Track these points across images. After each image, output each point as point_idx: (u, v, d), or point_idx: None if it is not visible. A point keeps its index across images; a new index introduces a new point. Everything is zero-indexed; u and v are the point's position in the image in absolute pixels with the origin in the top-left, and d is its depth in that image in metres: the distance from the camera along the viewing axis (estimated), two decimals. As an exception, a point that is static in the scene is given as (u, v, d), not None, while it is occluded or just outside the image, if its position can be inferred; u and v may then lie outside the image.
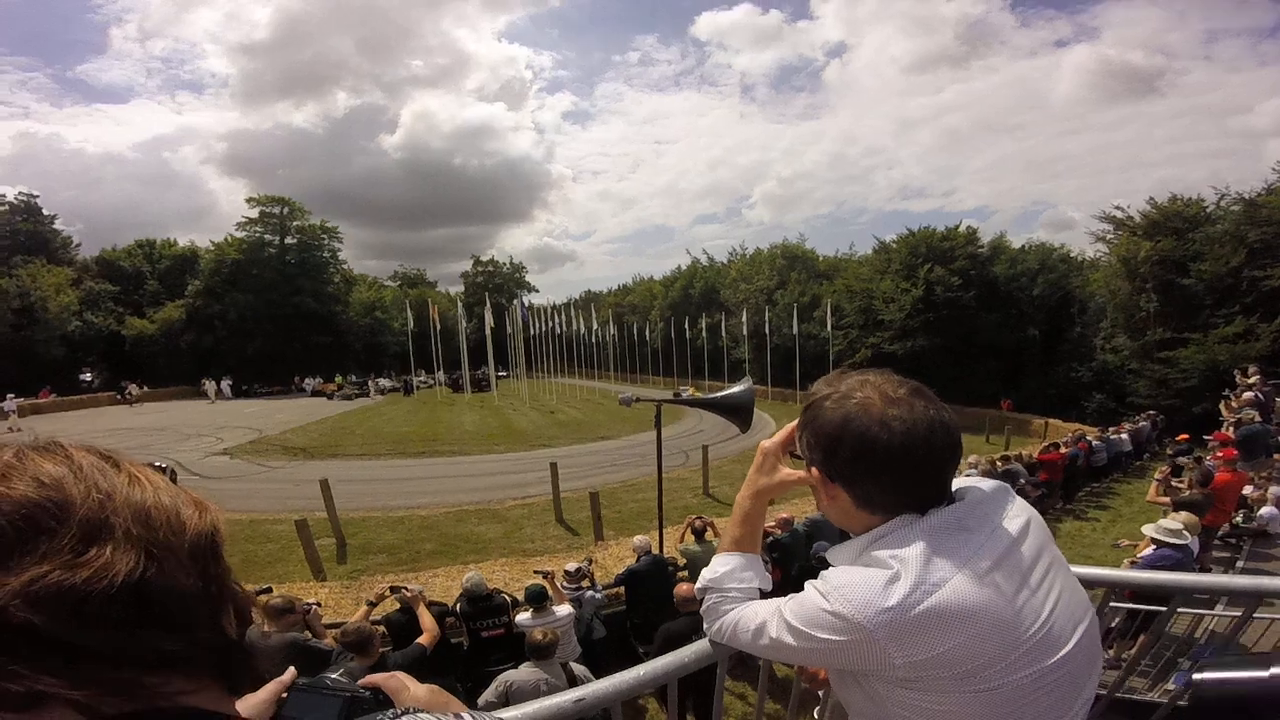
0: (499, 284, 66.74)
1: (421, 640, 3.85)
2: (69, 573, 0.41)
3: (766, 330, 34.64)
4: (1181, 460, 9.56)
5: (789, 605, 0.92)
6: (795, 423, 1.03)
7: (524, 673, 3.36)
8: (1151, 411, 19.02)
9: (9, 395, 26.60)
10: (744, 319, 36.53)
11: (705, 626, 1.17)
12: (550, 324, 43.70)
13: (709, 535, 6.33)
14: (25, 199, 45.80)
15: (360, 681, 0.70)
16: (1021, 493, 8.31)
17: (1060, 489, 11.23)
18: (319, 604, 4.27)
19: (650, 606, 5.06)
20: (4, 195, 45.35)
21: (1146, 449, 15.93)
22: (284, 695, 0.65)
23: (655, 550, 6.14)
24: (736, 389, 4.96)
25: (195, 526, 0.50)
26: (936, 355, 28.12)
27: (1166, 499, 6.95)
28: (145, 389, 37.86)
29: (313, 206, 53.32)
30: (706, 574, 1.14)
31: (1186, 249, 23.20)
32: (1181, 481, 7.86)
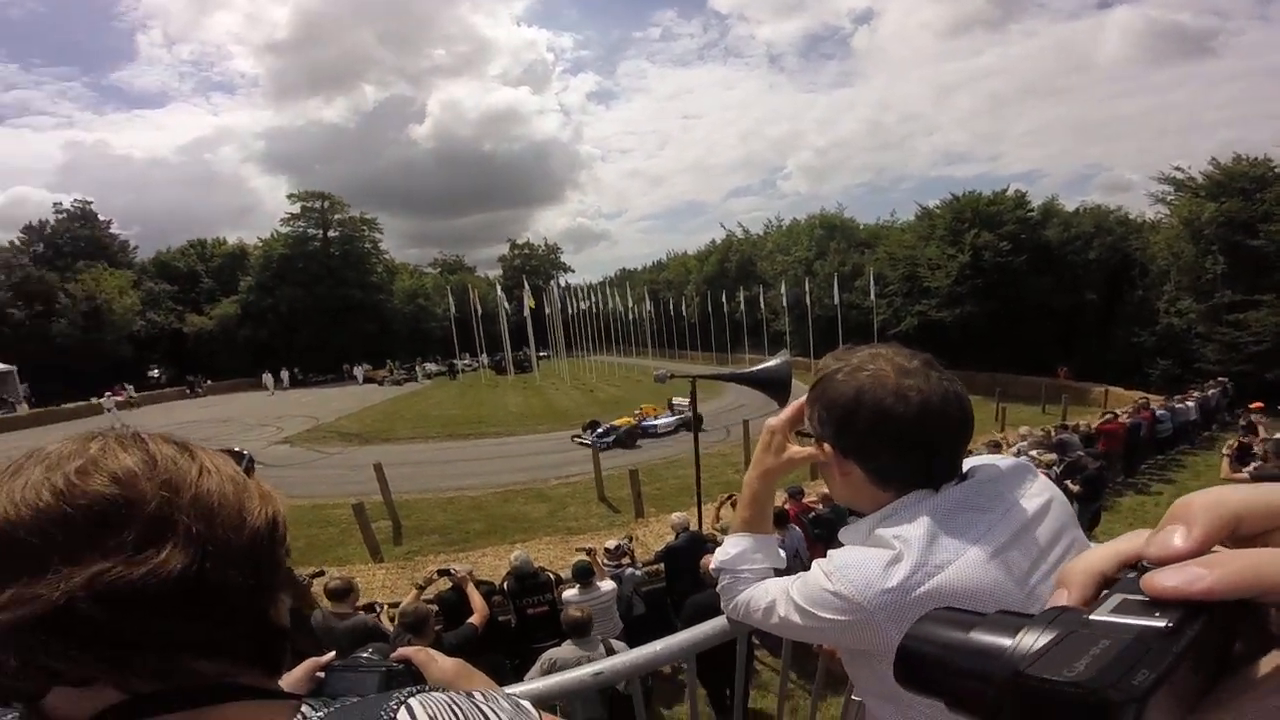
0: (536, 266, 67.16)
1: (473, 620, 4.08)
2: (128, 569, 0.44)
3: (807, 301, 33.87)
4: (1246, 439, 8.87)
5: (796, 585, 0.93)
6: (802, 400, 1.02)
7: (566, 650, 3.51)
8: (1222, 378, 17.91)
9: (106, 393, 28.64)
10: (783, 291, 35.93)
11: (721, 605, 1.18)
12: (587, 303, 44.02)
13: None
14: (81, 206, 48.25)
15: (392, 656, 0.78)
16: (1078, 465, 8.09)
17: (1121, 461, 10.65)
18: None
19: (688, 582, 5.19)
20: (61, 203, 48.08)
21: (1215, 419, 14.82)
22: (320, 674, 0.73)
23: (695, 526, 6.24)
24: (773, 362, 4.96)
25: (254, 521, 0.53)
26: (986, 322, 27.12)
27: (1244, 474, 6.47)
28: (209, 382, 40.16)
29: (351, 199, 54.71)
30: (719, 555, 1.16)
31: (1254, 209, 21.70)
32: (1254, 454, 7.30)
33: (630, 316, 46.69)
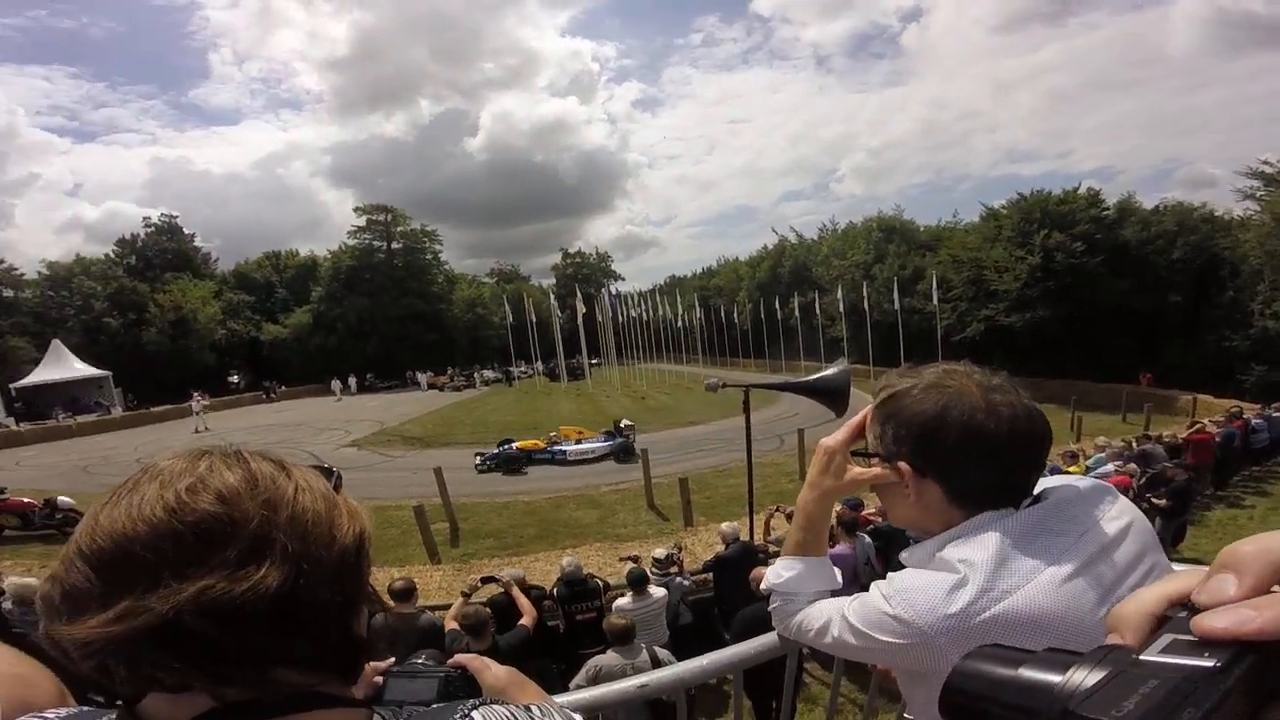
0: (587, 274, 67.97)
1: (524, 622, 4.20)
2: (230, 585, 0.47)
3: (865, 307, 32.84)
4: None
5: (853, 605, 0.93)
6: (860, 419, 1.00)
7: (611, 658, 3.55)
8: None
9: (194, 395, 30.91)
10: (839, 296, 35.00)
11: (774, 623, 1.18)
12: (638, 311, 44.26)
13: None
14: (167, 220, 52.24)
15: (449, 661, 0.81)
16: (1163, 477, 7.57)
17: (1211, 473, 9.96)
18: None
19: (738, 594, 5.15)
20: (149, 217, 52.12)
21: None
22: (379, 679, 0.75)
23: (746, 537, 6.18)
24: (830, 370, 4.77)
25: (343, 539, 0.56)
26: (1059, 326, 25.71)
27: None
28: (283, 388, 42.64)
29: (412, 211, 57.36)
30: (771, 578, 1.14)
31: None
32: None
33: (681, 323, 46.63)
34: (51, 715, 0.57)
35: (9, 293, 41.24)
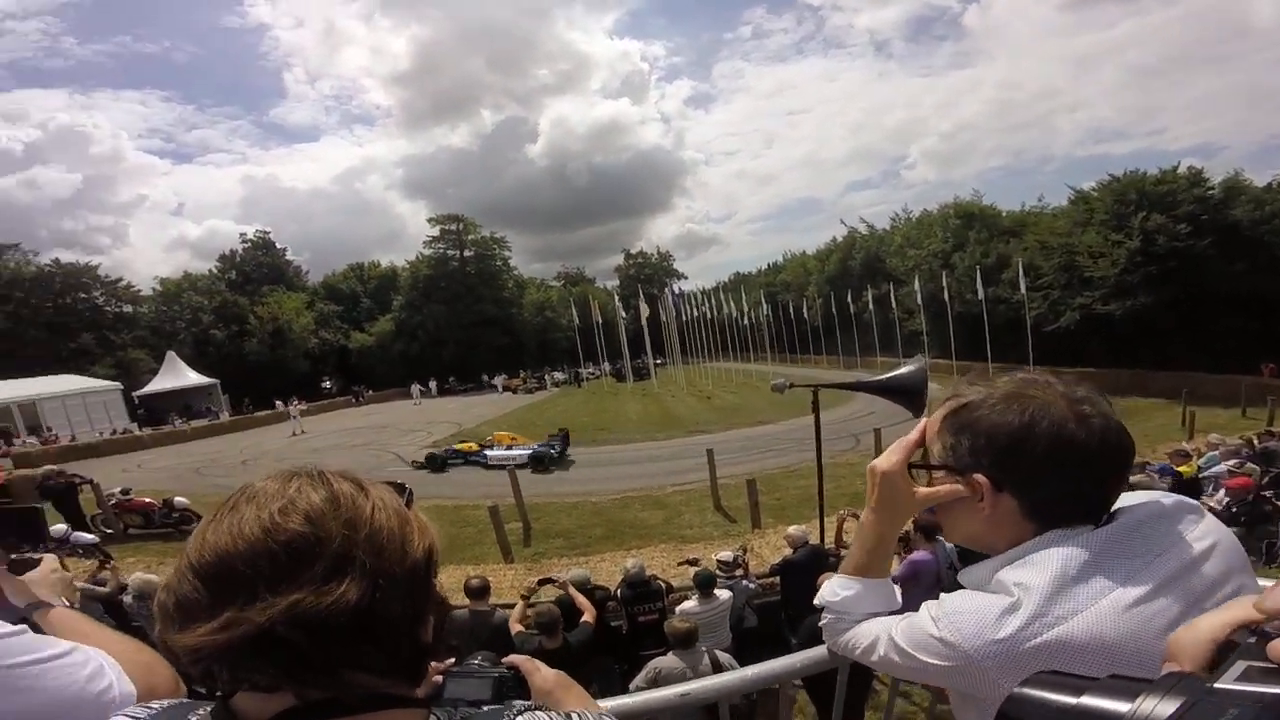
0: (650, 274, 68.40)
1: (585, 619, 4.35)
2: (317, 599, 0.53)
3: (945, 298, 31.19)
4: None
5: (901, 625, 0.91)
6: (916, 436, 0.96)
7: (671, 660, 3.57)
8: None
9: (293, 400, 33.51)
10: (917, 287, 33.43)
11: (824, 637, 1.17)
12: (702, 309, 44.03)
13: None
14: (261, 235, 56.70)
15: (502, 661, 0.85)
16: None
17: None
18: None
19: (804, 599, 5.05)
20: (245, 233, 56.61)
21: None
22: (439, 679, 0.80)
23: (815, 541, 6.03)
24: (906, 369, 4.67)
25: (415, 554, 0.62)
26: (1163, 313, 23.51)
27: None
28: (370, 392, 45.35)
29: (480, 219, 59.46)
30: (826, 594, 1.12)
31: None
32: None
33: (747, 321, 45.98)
34: (155, 706, 0.65)
35: (128, 308, 46.08)
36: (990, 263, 31.26)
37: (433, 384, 44.36)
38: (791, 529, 6.10)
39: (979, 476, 0.85)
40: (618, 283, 69.46)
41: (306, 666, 0.54)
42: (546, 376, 44.44)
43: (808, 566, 5.39)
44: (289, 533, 0.55)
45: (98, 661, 0.81)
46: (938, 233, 37.26)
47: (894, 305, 36.31)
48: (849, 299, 40.25)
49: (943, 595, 0.87)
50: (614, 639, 5.08)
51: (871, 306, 38.34)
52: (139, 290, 47.73)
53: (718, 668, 3.53)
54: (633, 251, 75.07)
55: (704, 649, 3.67)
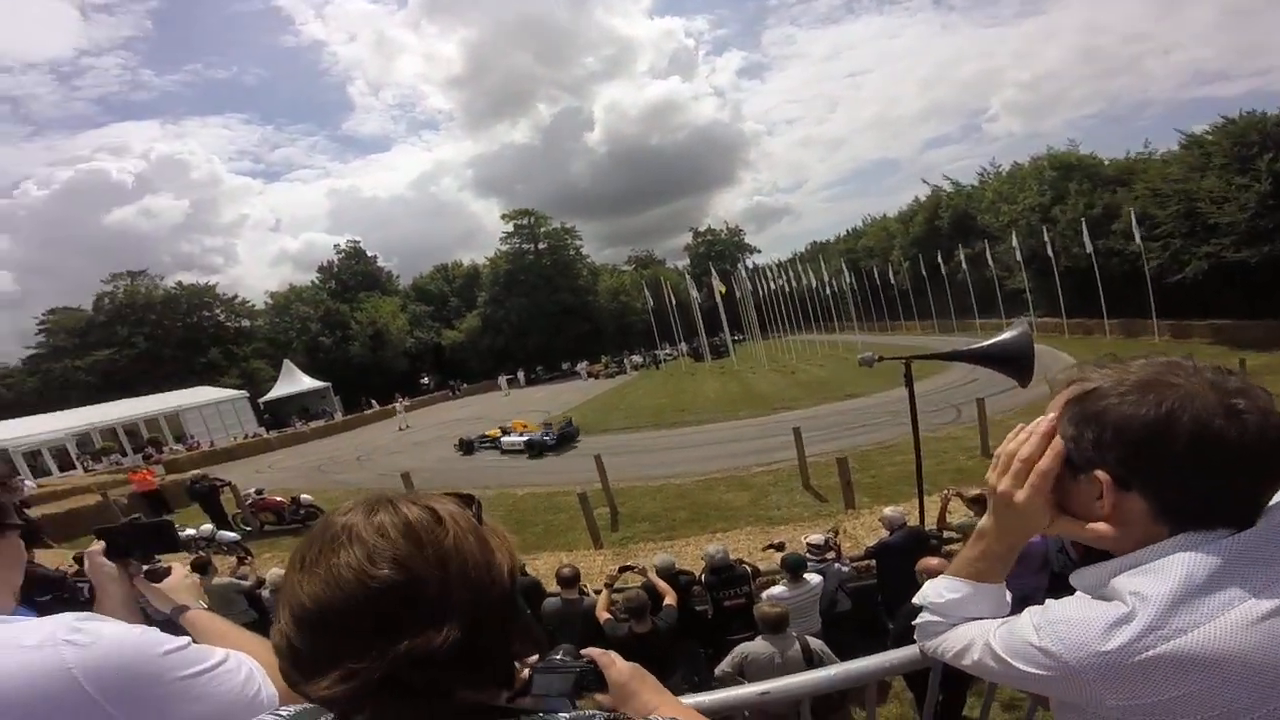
0: (720, 250, 67.47)
1: (668, 602, 4.44)
2: (425, 641, 0.57)
3: (1050, 252, 28.84)
4: None
5: (1000, 631, 0.88)
6: (1053, 461, 0.83)
7: (759, 645, 3.53)
8: None
9: (398, 397, 36.26)
10: (1015, 244, 31.04)
11: (915, 636, 1.12)
12: (778, 282, 42.86)
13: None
14: (353, 244, 60.53)
15: (583, 652, 0.89)
16: None
17: None
18: None
19: (902, 583, 4.86)
20: (339, 244, 60.61)
21: None
22: (526, 673, 0.83)
23: (915, 522, 5.78)
24: (1008, 334, 4.36)
25: (501, 578, 0.65)
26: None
27: None
28: (464, 385, 48.07)
29: (550, 211, 61.28)
30: (930, 594, 1.06)
31: None
32: None
33: (828, 290, 44.31)
34: (284, 713, 0.70)
35: (246, 323, 50.99)
36: (1097, 214, 28.39)
37: (520, 374, 46.14)
38: (887, 510, 5.88)
39: (1100, 474, 0.78)
40: (688, 262, 68.93)
41: (420, 695, 0.59)
42: (626, 360, 45.07)
43: (905, 549, 5.18)
44: (383, 580, 0.58)
45: (248, 666, 0.88)
46: (1033, 186, 34.28)
47: (990, 263, 33.83)
48: (939, 260, 37.87)
49: (1048, 602, 0.83)
50: (699, 623, 5.11)
51: (965, 266, 35.86)
52: (253, 305, 52.76)
53: (807, 653, 3.47)
54: (700, 229, 74.09)
55: (794, 634, 3.61)
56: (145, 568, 1.19)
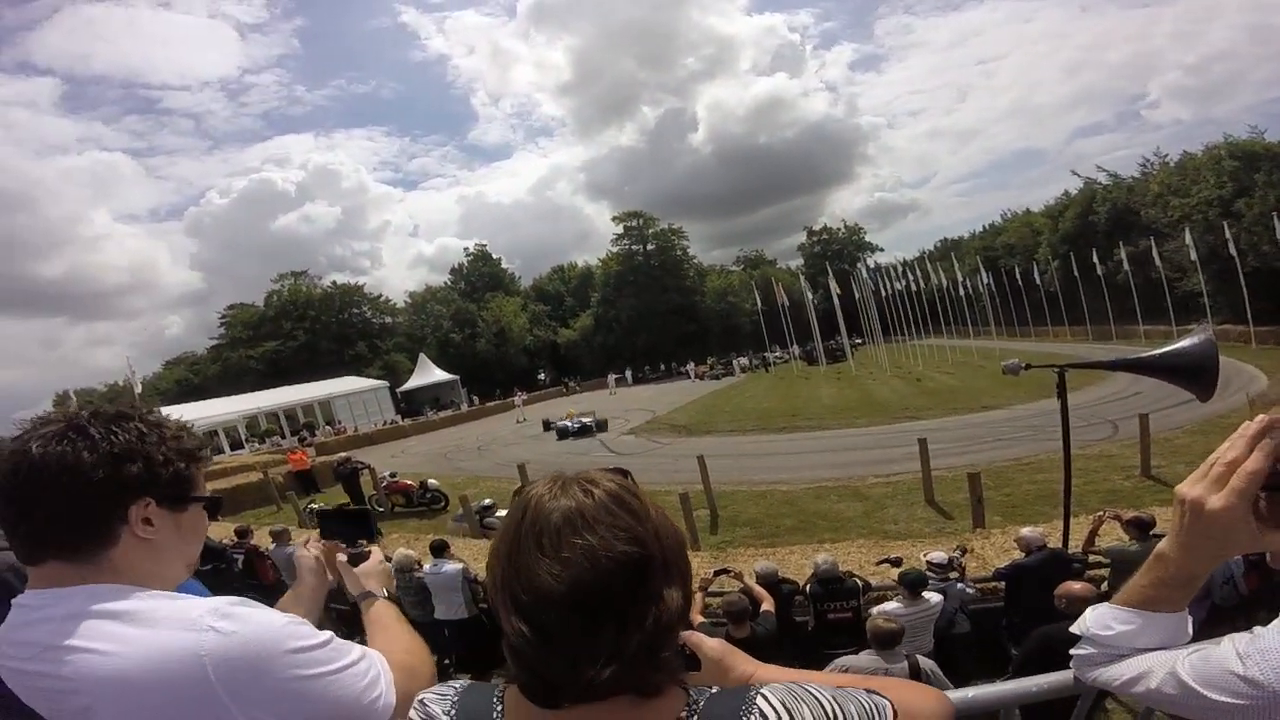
0: (838, 250, 65.14)
1: (765, 608, 4.26)
2: (662, 610, 0.61)
3: (1233, 250, 24.83)
4: None
5: (1192, 659, 0.78)
6: (1263, 461, 0.73)
7: (864, 660, 3.27)
8: None
9: (516, 392, 38.58)
10: (1189, 241, 26.92)
11: (1073, 665, 1.00)
12: (903, 282, 40.11)
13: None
14: (480, 248, 64.82)
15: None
16: None
17: None
18: None
19: (1037, 608, 4.30)
20: (468, 248, 65.14)
21: None
22: None
23: (1056, 544, 5.15)
24: (1188, 341, 3.91)
25: (684, 541, 0.69)
26: None
27: None
28: (578, 382, 50.24)
29: (658, 212, 62.08)
30: (1092, 624, 0.94)
31: None
32: None
33: (961, 291, 40.85)
34: (448, 689, 0.74)
35: (389, 320, 56.48)
36: (1290, 208, 24.10)
37: (628, 373, 47.04)
38: (1025, 530, 5.32)
39: None
40: (802, 262, 66.75)
41: (654, 665, 0.61)
42: (734, 362, 44.42)
43: (1043, 573, 4.67)
44: (627, 555, 0.61)
45: (376, 669, 0.90)
46: (1209, 177, 29.75)
47: (1158, 263, 29.55)
48: (1094, 259, 33.71)
49: (1257, 629, 0.74)
50: (799, 635, 4.87)
51: (1127, 266, 31.60)
52: (394, 304, 58.43)
53: (915, 673, 3.13)
54: (815, 228, 71.56)
55: (904, 653, 3.26)
56: (350, 551, 1.30)
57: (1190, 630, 0.90)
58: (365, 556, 1.29)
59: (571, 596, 0.58)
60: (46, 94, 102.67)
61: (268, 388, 40.10)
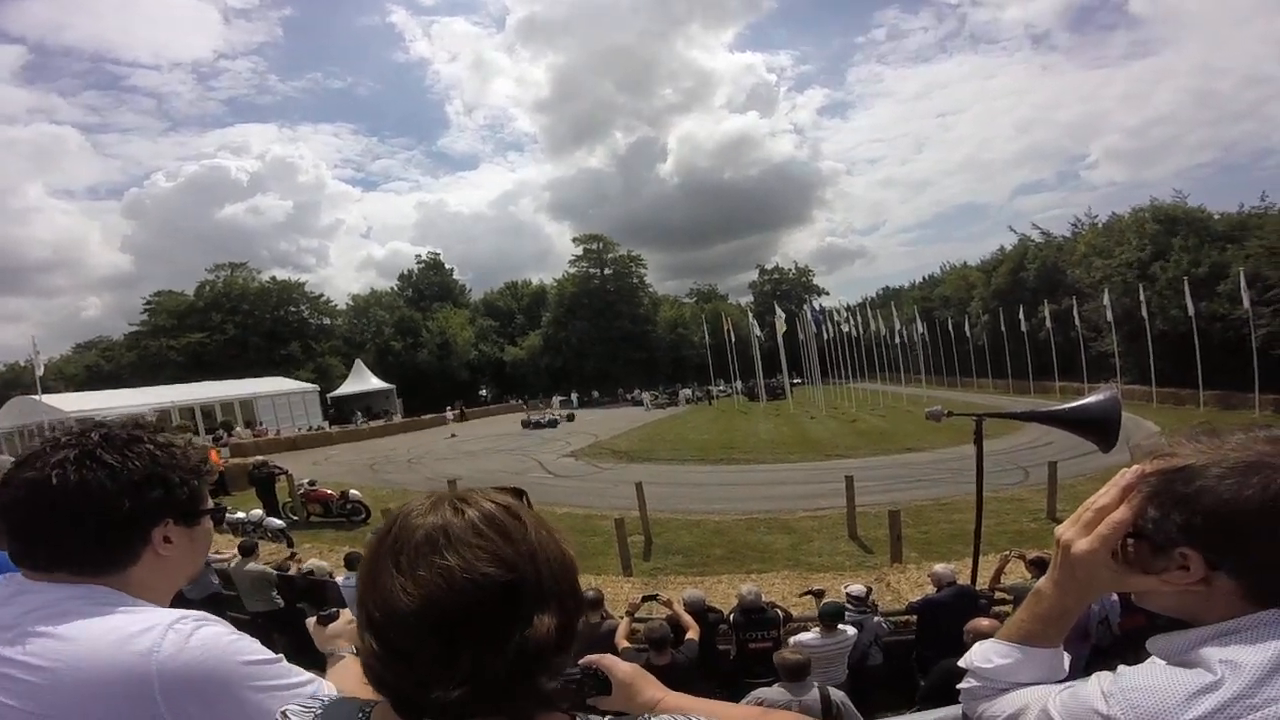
0: (786, 290, 66.75)
1: (690, 636, 4.26)
2: (534, 635, 0.58)
3: (1144, 314, 26.75)
4: None
5: (1061, 697, 0.80)
6: (1129, 513, 0.78)
7: (775, 692, 3.31)
8: None
9: (448, 408, 37.53)
10: (1107, 302, 29.01)
11: (961, 700, 1.03)
12: (845, 327, 41.76)
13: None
14: (433, 256, 63.61)
15: (580, 661, 0.88)
16: None
17: None
18: None
19: (945, 642, 4.50)
20: (420, 255, 63.68)
21: None
22: None
23: (965, 581, 5.41)
24: (1095, 398, 4.20)
25: (571, 565, 0.66)
26: None
27: None
28: (526, 401, 48.82)
29: (618, 238, 62.04)
30: (976, 659, 0.98)
31: None
32: None
33: (897, 340, 42.80)
34: (314, 702, 0.72)
35: (328, 321, 54.15)
36: (1202, 273, 26.39)
37: (574, 396, 46.51)
38: (938, 566, 5.59)
39: (1188, 552, 0.72)
40: (752, 298, 68.44)
41: (517, 684, 0.59)
42: (680, 393, 44.76)
43: (953, 607, 4.88)
44: (491, 578, 0.58)
45: (324, 694, 0.90)
46: (1132, 239, 32.21)
47: (1077, 323, 31.84)
48: (1020, 315, 36.01)
49: (1121, 668, 0.76)
50: (720, 664, 4.89)
51: (1049, 324, 33.90)
52: (336, 305, 56.07)
53: (826, 704, 3.21)
54: (768, 267, 73.58)
55: (815, 684, 3.34)
56: (320, 613, 1.35)
57: (1066, 667, 0.94)
58: (334, 617, 1.34)
59: (424, 616, 0.56)
60: (9, 63, 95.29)
61: (187, 381, 37.66)
